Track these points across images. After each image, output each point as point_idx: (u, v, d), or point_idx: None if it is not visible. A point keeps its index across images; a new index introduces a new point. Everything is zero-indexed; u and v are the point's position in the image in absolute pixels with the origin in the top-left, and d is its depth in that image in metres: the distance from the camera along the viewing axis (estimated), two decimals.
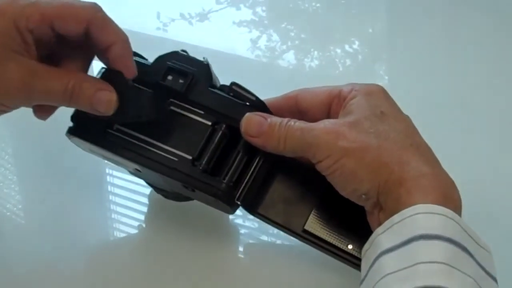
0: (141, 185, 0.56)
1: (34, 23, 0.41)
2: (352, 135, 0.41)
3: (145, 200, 0.57)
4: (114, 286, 0.51)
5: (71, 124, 0.47)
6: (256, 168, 0.46)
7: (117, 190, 0.58)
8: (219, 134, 0.45)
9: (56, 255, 0.53)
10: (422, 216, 0.38)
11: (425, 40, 0.71)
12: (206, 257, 0.52)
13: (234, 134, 0.45)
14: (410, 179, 0.40)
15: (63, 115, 0.47)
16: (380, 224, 0.40)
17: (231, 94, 0.46)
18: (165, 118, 0.46)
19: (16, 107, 0.44)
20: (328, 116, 0.46)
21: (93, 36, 0.43)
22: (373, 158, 0.41)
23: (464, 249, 0.37)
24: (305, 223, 0.46)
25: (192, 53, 0.48)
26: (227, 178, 0.45)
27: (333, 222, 0.46)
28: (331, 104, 0.46)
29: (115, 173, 0.59)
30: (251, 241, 0.55)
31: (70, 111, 0.47)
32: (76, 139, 0.47)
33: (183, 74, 0.46)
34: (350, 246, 0.45)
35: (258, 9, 0.76)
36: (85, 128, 0.46)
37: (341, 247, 0.45)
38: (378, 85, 0.45)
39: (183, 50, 0.48)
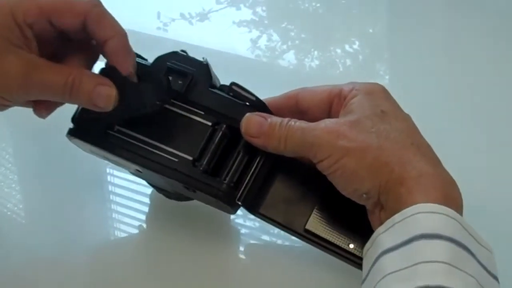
0: (142, 185, 0.56)
1: (32, 17, 0.41)
2: (353, 135, 0.41)
3: (146, 200, 0.57)
4: (115, 286, 0.51)
5: (71, 125, 0.47)
6: (256, 168, 0.46)
7: (118, 190, 0.58)
8: (220, 134, 0.45)
9: (56, 255, 0.53)
10: (423, 216, 0.38)
11: (425, 39, 0.71)
12: (207, 257, 0.52)
13: (234, 134, 0.45)
14: (411, 178, 0.40)
15: (64, 115, 0.47)
16: (381, 223, 0.40)
17: (231, 94, 0.46)
18: (165, 119, 0.46)
19: (16, 102, 0.44)
20: (329, 115, 0.46)
21: (90, 30, 0.43)
22: (374, 157, 0.41)
23: (466, 249, 0.37)
24: (306, 223, 0.46)
25: (192, 53, 0.48)
26: (227, 178, 0.45)
27: (334, 222, 0.46)
28: (332, 104, 0.46)
29: (116, 173, 0.59)
30: (252, 241, 0.55)
31: (71, 111, 0.47)
32: (77, 140, 0.47)
33: (182, 75, 0.46)
34: (351, 245, 0.45)
35: (258, 9, 0.76)
36: (86, 129, 0.46)
37: (342, 246, 0.45)
38: (379, 84, 0.45)
39: (182, 50, 0.48)
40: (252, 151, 0.45)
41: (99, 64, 0.46)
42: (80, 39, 0.45)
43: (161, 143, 0.46)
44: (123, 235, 0.56)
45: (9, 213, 0.57)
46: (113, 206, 0.58)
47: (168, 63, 0.46)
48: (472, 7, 0.74)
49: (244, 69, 0.69)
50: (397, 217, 0.39)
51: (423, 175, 0.40)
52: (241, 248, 0.55)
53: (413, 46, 0.71)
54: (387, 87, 0.45)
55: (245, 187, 0.46)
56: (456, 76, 0.67)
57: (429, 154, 0.42)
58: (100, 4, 0.43)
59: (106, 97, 0.43)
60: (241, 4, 0.76)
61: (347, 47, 0.72)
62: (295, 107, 0.47)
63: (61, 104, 0.46)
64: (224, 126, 0.45)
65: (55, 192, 0.57)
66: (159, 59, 0.47)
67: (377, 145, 0.41)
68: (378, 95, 0.44)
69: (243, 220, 0.55)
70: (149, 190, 0.56)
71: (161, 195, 0.54)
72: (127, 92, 0.44)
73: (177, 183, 0.45)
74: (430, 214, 0.38)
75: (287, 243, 0.54)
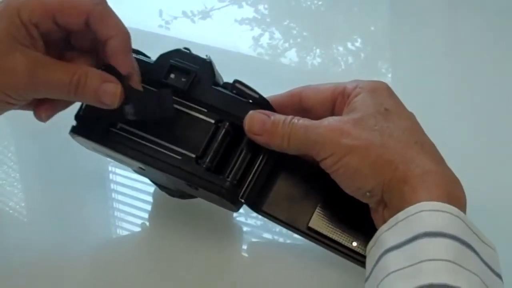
0: (145, 183, 0.56)
1: (37, 16, 0.42)
2: (357, 133, 0.41)
3: (149, 198, 0.57)
4: (118, 284, 0.51)
5: (74, 123, 0.47)
6: (259, 166, 0.46)
7: (120, 188, 0.58)
8: (223, 132, 0.45)
9: (59, 253, 0.53)
10: (426, 214, 0.38)
11: (427, 37, 0.71)
12: (209, 255, 0.52)
13: (237, 132, 0.45)
14: (415, 176, 0.40)
15: (66, 113, 0.47)
16: (384, 221, 0.40)
17: (234, 91, 0.46)
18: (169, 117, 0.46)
19: (21, 101, 0.44)
20: (332, 113, 0.46)
21: (93, 28, 0.43)
22: (377, 155, 0.41)
23: (469, 247, 0.37)
24: (309, 221, 0.46)
25: (194, 51, 0.48)
26: (231, 176, 0.45)
27: (337, 220, 0.46)
28: (335, 101, 0.46)
29: (118, 171, 0.59)
30: (254, 239, 0.55)
31: (74, 109, 0.47)
32: (80, 138, 0.47)
33: (186, 72, 0.46)
34: (354, 243, 0.45)
35: (260, 7, 0.75)
36: (89, 127, 0.46)
37: (345, 244, 0.45)
38: (382, 82, 0.45)
39: (185, 48, 0.48)
40: (255, 148, 0.45)
41: None
42: (86, 41, 0.45)
43: (164, 140, 0.45)
44: (126, 233, 0.56)
45: (11, 211, 0.57)
46: (116, 204, 0.58)
47: (171, 61, 0.46)
48: (473, 5, 0.74)
49: (246, 67, 0.69)
50: (400, 215, 0.39)
51: (426, 173, 0.40)
52: (244, 246, 0.55)
53: (415, 44, 0.71)
54: (389, 85, 0.45)
55: (248, 185, 0.46)
56: (457, 75, 0.67)
57: (433, 152, 0.42)
58: (104, 2, 0.43)
59: (112, 94, 0.43)
60: (243, 2, 0.76)
61: (349, 45, 0.72)
62: (299, 105, 0.47)
63: (63, 108, 0.47)
64: (227, 123, 0.45)
65: (57, 191, 0.57)
66: (162, 56, 0.47)
67: (380, 143, 0.41)
68: (382, 93, 0.44)
69: (246, 218, 0.55)
70: (151, 188, 0.56)
71: (163, 193, 0.54)
72: (145, 96, 0.44)
73: (180, 181, 0.45)
74: (434, 212, 0.38)
75: (289, 241, 0.54)
